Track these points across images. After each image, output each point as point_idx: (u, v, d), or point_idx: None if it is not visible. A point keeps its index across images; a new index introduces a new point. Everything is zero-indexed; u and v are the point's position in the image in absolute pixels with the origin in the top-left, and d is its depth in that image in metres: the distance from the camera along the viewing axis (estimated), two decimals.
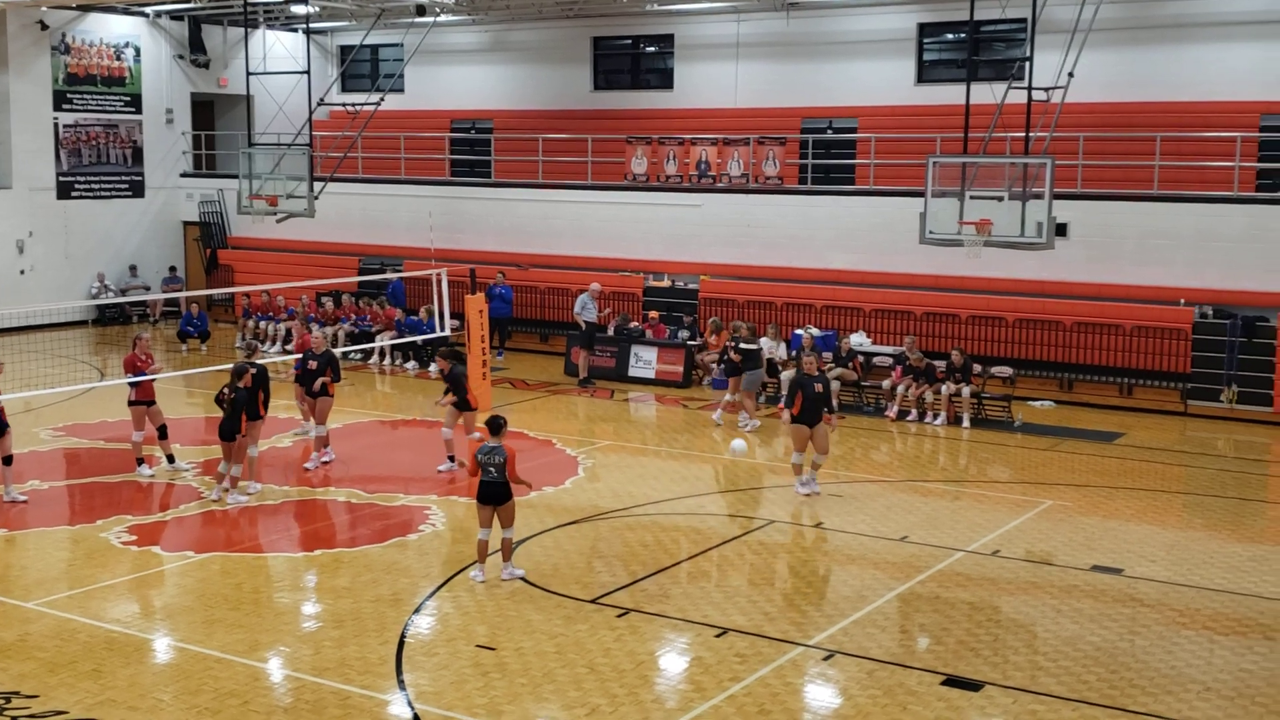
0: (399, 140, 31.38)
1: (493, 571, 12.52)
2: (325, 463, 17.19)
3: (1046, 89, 19.65)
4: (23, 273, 29.80)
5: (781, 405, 16.47)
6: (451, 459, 16.90)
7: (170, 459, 16.84)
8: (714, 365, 23.48)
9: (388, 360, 25.59)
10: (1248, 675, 10.45)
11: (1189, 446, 19.55)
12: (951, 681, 10.23)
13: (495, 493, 12.32)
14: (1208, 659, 10.79)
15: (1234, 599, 12.35)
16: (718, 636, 11.13)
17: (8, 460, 15.16)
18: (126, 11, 31.30)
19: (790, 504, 15.60)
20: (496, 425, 12.49)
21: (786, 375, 21.49)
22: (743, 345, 20.23)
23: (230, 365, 16.20)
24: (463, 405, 16.77)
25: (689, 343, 23.98)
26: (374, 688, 10.04)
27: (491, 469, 12.26)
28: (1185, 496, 16.70)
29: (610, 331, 24.72)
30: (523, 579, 12.46)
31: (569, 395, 22.71)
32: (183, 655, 10.72)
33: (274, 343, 27.03)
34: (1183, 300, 21.99)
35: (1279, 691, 10.13)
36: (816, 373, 16.14)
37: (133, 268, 31.84)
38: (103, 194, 31.58)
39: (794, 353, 21.88)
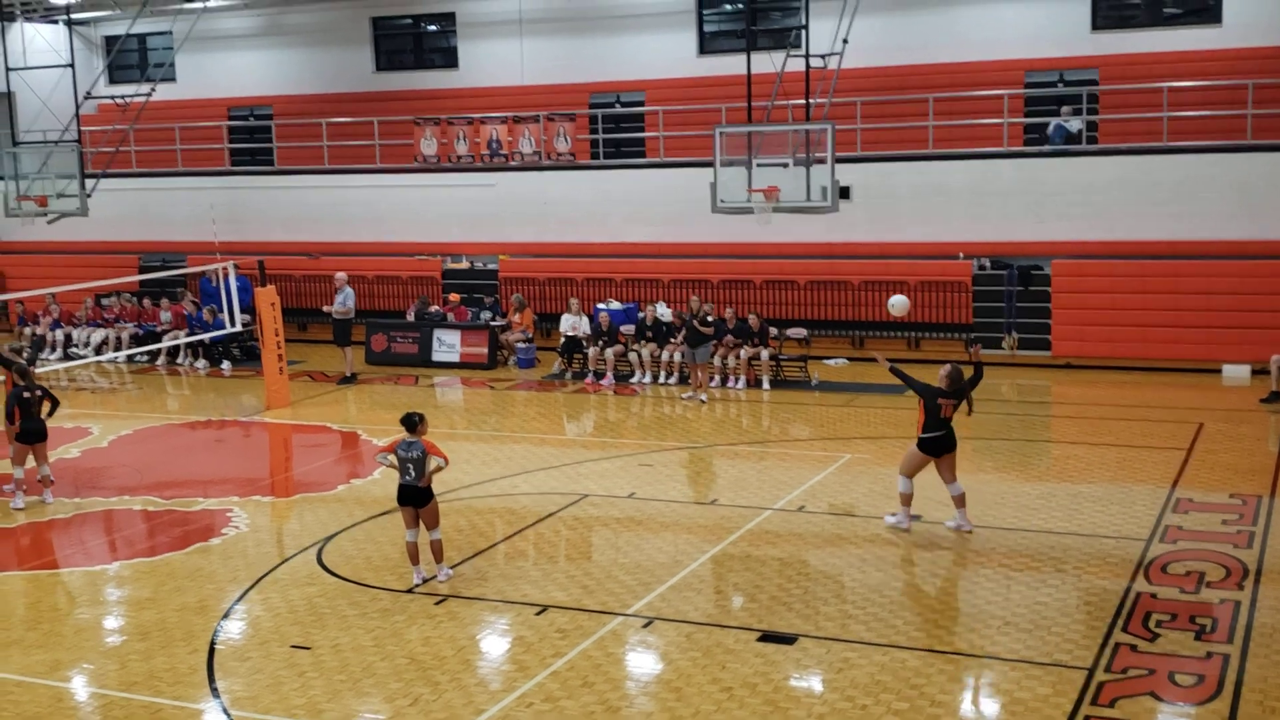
0: (174, 131, 30.22)
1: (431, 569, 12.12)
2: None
3: (823, 56, 20.15)
4: None
5: None
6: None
7: None
8: (519, 345, 23.43)
9: (183, 360, 24.64)
10: (1043, 607, 11.01)
11: (975, 393, 20.36)
12: (767, 637, 10.48)
13: (414, 493, 11.76)
14: (1005, 595, 11.32)
15: (1026, 535, 12.98)
16: (538, 614, 11.15)
17: None
18: None
19: (602, 477, 15.70)
20: (411, 422, 11.78)
21: (593, 351, 21.67)
22: (709, 319, 20.34)
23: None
24: None
25: (492, 324, 23.85)
26: (186, 698, 9.73)
27: (410, 465, 11.66)
28: (975, 441, 17.43)
29: (410, 316, 24.45)
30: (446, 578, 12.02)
31: (372, 385, 22.35)
32: None
33: (54, 349, 25.80)
34: (961, 254, 22.93)
35: (1072, 620, 10.71)
36: None
37: None
38: None
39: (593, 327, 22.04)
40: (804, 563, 12.48)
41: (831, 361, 22.69)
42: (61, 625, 11.37)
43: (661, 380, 21.44)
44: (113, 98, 27.23)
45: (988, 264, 22.83)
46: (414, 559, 12.00)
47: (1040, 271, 22.45)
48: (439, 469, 11.78)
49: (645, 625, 10.87)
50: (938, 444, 13.01)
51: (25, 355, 16.41)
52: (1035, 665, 9.80)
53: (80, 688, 10.08)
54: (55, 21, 31.67)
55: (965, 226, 23.05)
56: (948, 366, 13.15)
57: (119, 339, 25.44)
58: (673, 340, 21.39)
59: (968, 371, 13.27)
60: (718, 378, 21.10)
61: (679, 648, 10.35)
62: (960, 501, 13.15)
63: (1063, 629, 10.51)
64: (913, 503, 13.34)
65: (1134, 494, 14.37)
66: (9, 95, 26.56)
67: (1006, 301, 22.49)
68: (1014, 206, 22.75)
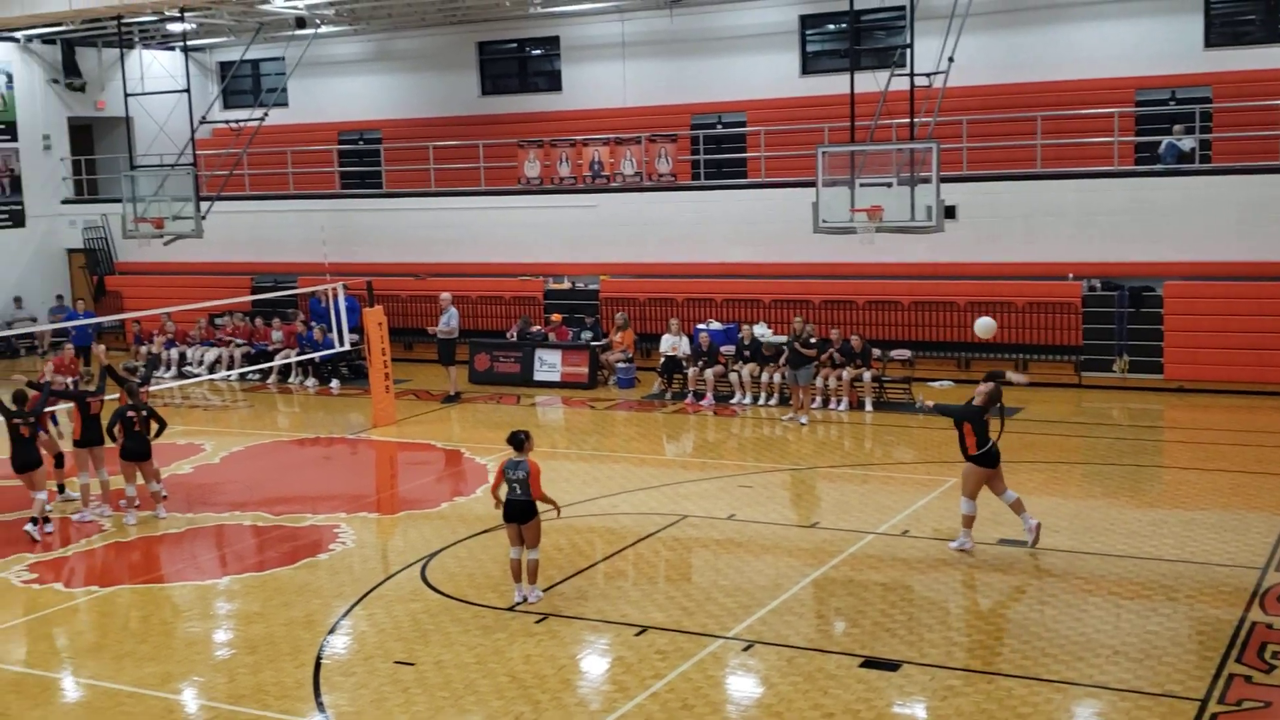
0: (285, 155, 30.92)
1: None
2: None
3: (928, 75, 19.97)
4: None
5: None
6: None
7: (62, 489, 16.40)
8: (620, 365, 23.51)
9: (294, 378, 25.06)
10: (1154, 636, 10.73)
11: (1085, 417, 20.01)
12: (870, 663, 10.35)
13: (519, 510, 11.86)
14: (1115, 623, 11.06)
15: (1136, 563, 12.67)
16: (637, 635, 11.15)
17: None
18: None
19: (702, 498, 15.67)
20: (518, 440, 11.93)
21: (692, 372, 21.77)
22: (811, 340, 20.29)
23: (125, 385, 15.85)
24: None
25: (592, 344, 23.97)
26: (292, 711, 9.89)
27: (515, 485, 11.80)
28: (1084, 466, 17.09)
29: (513, 336, 24.68)
30: (535, 599, 12.05)
31: (475, 404, 22.58)
32: (93, 693, 10.46)
33: (168, 367, 26.47)
34: (1071, 275, 22.51)
35: (1184, 650, 10.42)
36: None
37: (17, 299, 30.96)
38: None
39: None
40: (908, 588, 12.31)
41: (937, 384, 22.38)
42: (172, 638, 11.64)
43: (762, 401, 21.35)
44: (227, 122, 27.99)
45: (1098, 285, 22.39)
46: (516, 576, 12.08)
47: (1152, 293, 21.95)
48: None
49: (745, 648, 10.81)
50: (991, 457, 13.10)
51: (140, 374, 16.84)
52: (1146, 696, 9.56)
53: (190, 700, 10.30)
54: (172, 48, 32.63)
55: (1074, 247, 22.64)
56: (990, 385, 13.27)
57: (232, 358, 26.03)
58: (774, 363, 21.28)
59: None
60: (819, 399, 20.95)
61: (780, 672, 10.27)
62: (1019, 507, 13.18)
63: (1174, 659, 10.23)
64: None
65: (1249, 521, 13.95)
66: (128, 120, 27.38)
67: (1117, 323, 22.01)
68: (1125, 226, 22.29)
